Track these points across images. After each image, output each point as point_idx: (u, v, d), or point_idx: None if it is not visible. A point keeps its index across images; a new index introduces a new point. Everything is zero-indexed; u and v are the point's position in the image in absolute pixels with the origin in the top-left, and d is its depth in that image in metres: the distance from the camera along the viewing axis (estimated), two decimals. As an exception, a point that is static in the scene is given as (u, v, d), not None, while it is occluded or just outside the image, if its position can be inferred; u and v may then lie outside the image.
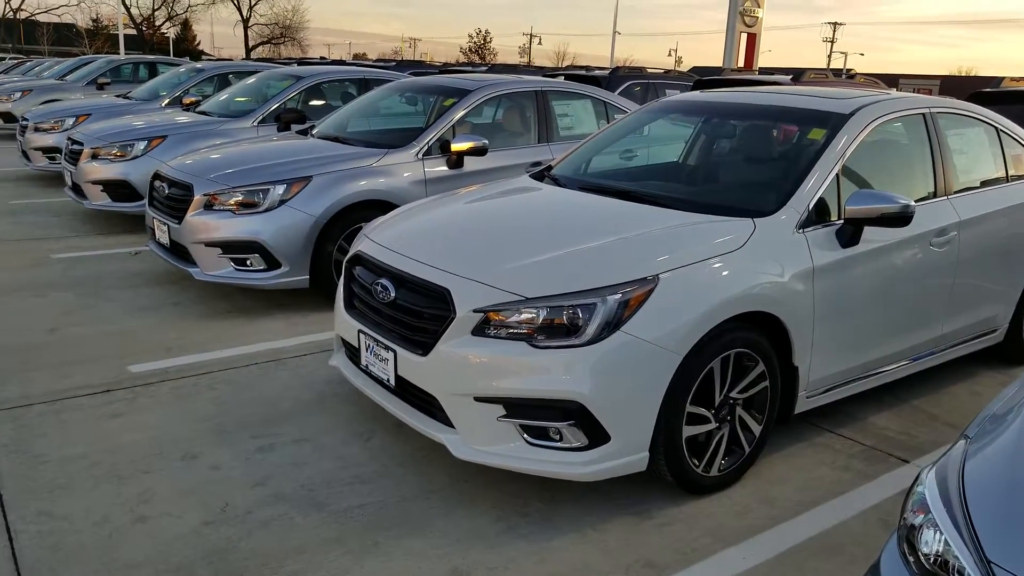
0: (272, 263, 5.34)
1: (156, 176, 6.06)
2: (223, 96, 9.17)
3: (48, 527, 2.93)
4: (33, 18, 64.94)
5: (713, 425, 3.22)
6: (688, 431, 3.11)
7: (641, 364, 2.91)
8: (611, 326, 2.89)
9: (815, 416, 4.05)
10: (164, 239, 5.77)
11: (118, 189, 7.66)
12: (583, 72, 12.98)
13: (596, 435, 2.93)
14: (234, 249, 5.36)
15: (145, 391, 4.14)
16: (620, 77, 11.42)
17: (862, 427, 4.04)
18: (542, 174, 4.54)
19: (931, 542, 1.69)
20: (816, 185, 3.56)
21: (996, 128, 4.69)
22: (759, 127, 4.48)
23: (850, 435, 3.94)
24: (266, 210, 5.33)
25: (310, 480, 3.32)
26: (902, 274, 3.83)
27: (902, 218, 3.45)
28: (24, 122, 10.59)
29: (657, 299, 2.96)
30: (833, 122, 3.84)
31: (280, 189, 5.38)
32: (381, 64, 20.66)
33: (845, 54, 77.13)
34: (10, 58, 39.49)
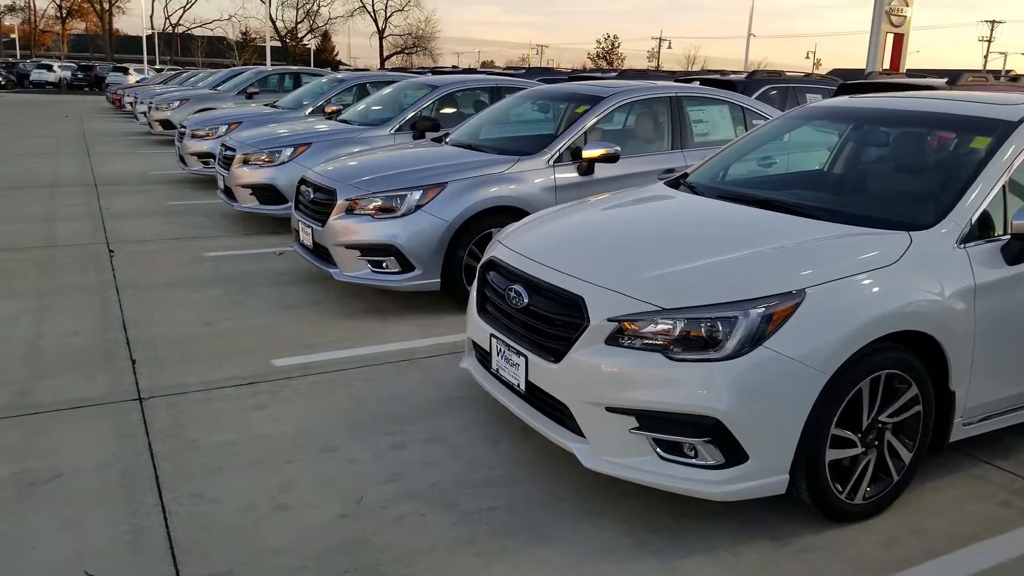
0: (406, 266, 5.49)
1: (303, 181, 6.36)
2: (362, 105, 9.54)
3: (200, 508, 3.11)
4: (189, 32, 70.13)
5: (859, 450, 3.04)
6: (832, 455, 2.95)
7: (784, 382, 2.79)
8: (753, 341, 2.79)
9: (971, 446, 3.76)
10: (308, 241, 6.05)
11: (265, 193, 8.10)
12: (718, 76, 12.64)
13: (733, 453, 2.83)
14: (372, 252, 5.55)
15: (287, 384, 4.34)
16: (757, 81, 10.97)
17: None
18: (677, 181, 4.45)
19: None
20: (980, 197, 3.32)
21: None
22: (915, 135, 4.22)
23: (1011, 468, 3.64)
24: (403, 215, 5.49)
25: (440, 479, 3.38)
26: (1076, 295, 3.51)
27: (1078, 234, 3.16)
28: (182, 129, 11.39)
29: (803, 314, 2.83)
30: (1000, 130, 3.57)
31: (417, 195, 5.53)
32: (511, 71, 20.92)
33: (1004, 54, 71.86)
34: (168, 69, 42.69)
